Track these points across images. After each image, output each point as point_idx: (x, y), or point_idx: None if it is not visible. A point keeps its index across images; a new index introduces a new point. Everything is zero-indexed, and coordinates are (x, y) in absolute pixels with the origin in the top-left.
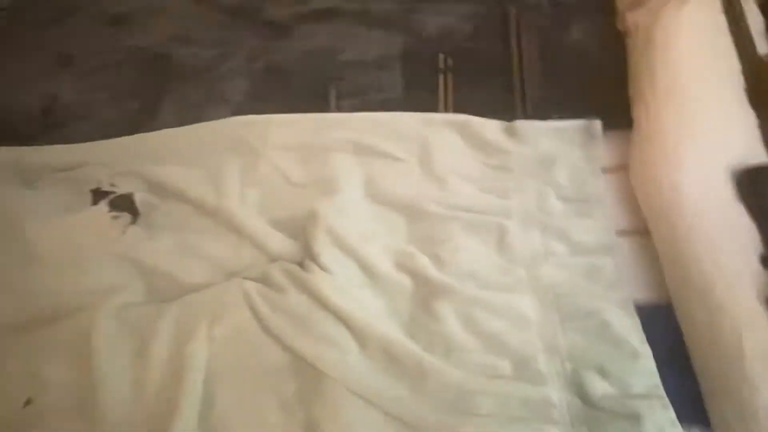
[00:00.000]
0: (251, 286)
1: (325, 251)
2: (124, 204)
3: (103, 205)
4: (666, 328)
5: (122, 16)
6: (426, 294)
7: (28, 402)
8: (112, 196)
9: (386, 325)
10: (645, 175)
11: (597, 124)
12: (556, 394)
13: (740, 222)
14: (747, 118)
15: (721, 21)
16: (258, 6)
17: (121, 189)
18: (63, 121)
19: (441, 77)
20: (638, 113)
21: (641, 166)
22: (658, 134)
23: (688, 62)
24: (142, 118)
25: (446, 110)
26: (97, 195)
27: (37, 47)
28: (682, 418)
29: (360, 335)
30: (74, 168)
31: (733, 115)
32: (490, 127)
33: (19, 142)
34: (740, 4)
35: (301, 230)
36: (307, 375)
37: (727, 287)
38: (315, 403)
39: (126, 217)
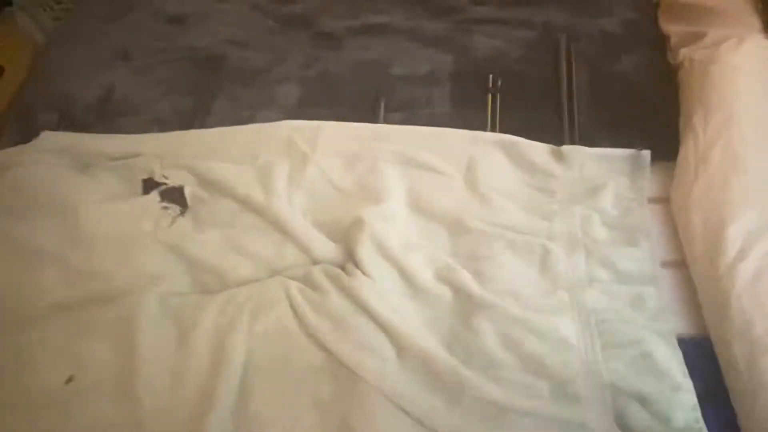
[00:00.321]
0: (293, 285)
1: (368, 257)
2: (175, 196)
3: (154, 195)
4: (704, 363)
5: (180, 16)
6: (466, 308)
7: (69, 379)
8: (163, 187)
9: (425, 336)
10: (688, 209)
11: (646, 154)
12: (595, 418)
13: None
14: None
15: None
16: (311, 17)
17: (172, 181)
18: (118, 112)
19: (489, 97)
20: (687, 147)
21: (685, 200)
22: (705, 169)
23: (744, 101)
24: (195, 115)
25: (493, 130)
26: (149, 185)
27: (97, 40)
28: None
29: (398, 343)
30: (128, 157)
31: None
32: (537, 150)
33: (76, 129)
34: None
35: (344, 235)
36: (344, 378)
37: (766, 326)
38: (350, 406)
39: (175, 208)
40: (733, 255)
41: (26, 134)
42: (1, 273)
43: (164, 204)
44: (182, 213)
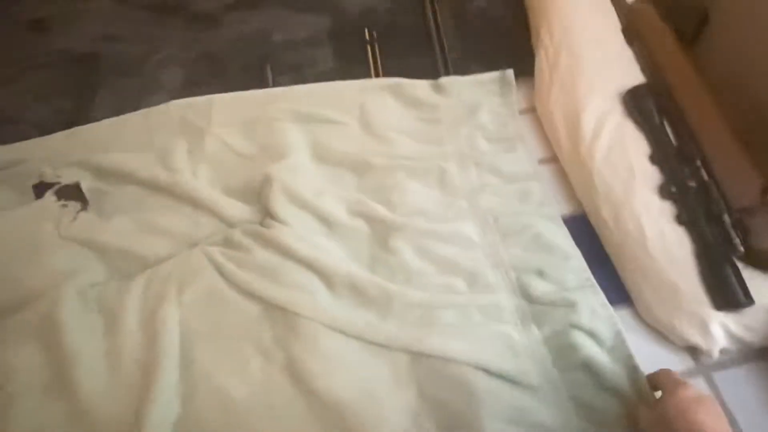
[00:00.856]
0: (215, 251)
1: (283, 208)
2: (72, 193)
3: (49, 196)
4: (585, 233)
5: (41, 21)
6: (381, 234)
7: None
8: (57, 187)
9: (349, 265)
10: (550, 111)
11: (510, 73)
12: (505, 298)
13: (630, 134)
14: (625, 52)
15: None
16: (184, 1)
17: (66, 180)
18: None
19: (369, 49)
20: (539, 58)
21: (546, 104)
22: (557, 73)
23: (577, 12)
24: (78, 114)
25: (377, 77)
26: (41, 188)
27: None
28: (610, 301)
29: (326, 277)
30: (12, 167)
31: (615, 52)
32: (419, 87)
33: None
34: None
35: (255, 196)
36: (281, 320)
37: (624, 186)
38: (293, 343)
39: (75, 204)
40: (589, 137)
41: None
42: None
43: (62, 202)
44: (84, 208)
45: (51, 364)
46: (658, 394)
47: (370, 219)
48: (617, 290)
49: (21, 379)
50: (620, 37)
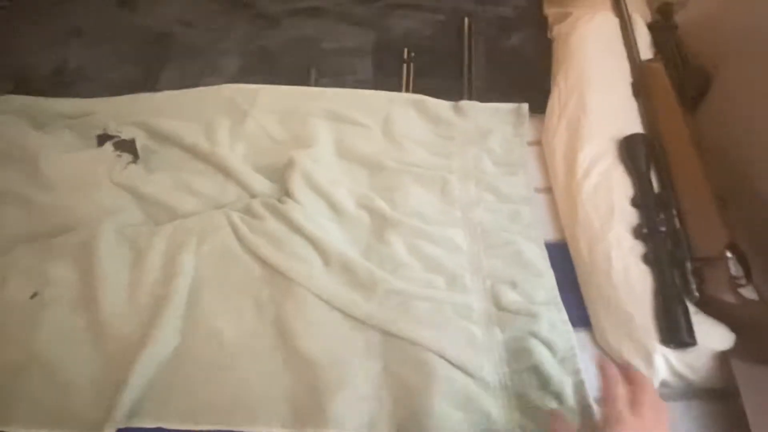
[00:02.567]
0: (234, 214)
1: (299, 189)
2: (127, 146)
3: (108, 146)
4: (563, 260)
5: (128, 0)
6: (380, 227)
7: (34, 295)
8: (116, 139)
9: (346, 248)
10: (554, 147)
11: (525, 107)
12: (476, 301)
13: (618, 176)
14: (631, 104)
15: (619, 33)
16: (250, 1)
17: (125, 135)
18: (72, 81)
19: (404, 66)
20: (552, 99)
21: (552, 140)
22: (565, 115)
23: (592, 61)
24: (144, 83)
25: (407, 92)
26: (102, 138)
27: (48, 20)
28: (572, 323)
29: (324, 254)
30: (82, 116)
31: (622, 102)
32: (441, 106)
33: (32, 95)
34: (631, 23)
35: (278, 175)
36: (278, 282)
37: (602, 222)
38: (284, 303)
39: (128, 156)
40: (581, 175)
41: None
42: None
43: (118, 153)
44: (134, 161)
45: (82, 283)
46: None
47: (372, 212)
48: (580, 314)
49: (56, 289)
50: (628, 89)
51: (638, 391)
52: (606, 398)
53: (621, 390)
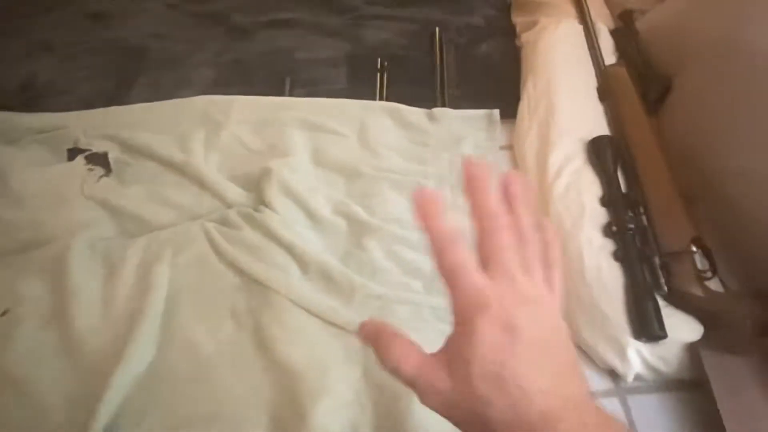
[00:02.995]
0: (210, 225)
1: (276, 198)
2: (99, 160)
3: (79, 159)
4: None
5: (100, 13)
6: (358, 233)
7: (5, 312)
8: (87, 153)
9: (324, 255)
10: (525, 150)
11: (496, 113)
12: None
13: (587, 177)
14: (597, 107)
15: (583, 40)
16: (225, 14)
17: (96, 148)
18: (41, 95)
19: (378, 75)
20: (522, 104)
21: (523, 144)
22: (534, 120)
23: (559, 67)
24: (117, 95)
25: (381, 100)
26: (73, 152)
27: (18, 34)
28: None
29: (302, 262)
30: (52, 130)
31: (588, 106)
32: (414, 113)
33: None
34: (595, 30)
35: (254, 184)
36: (256, 292)
37: (573, 222)
38: (263, 313)
39: (100, 170)
40: (552, 176)
41: None
42: None
43: (89, 166)
44: (107, 174)
45: (54, 298)
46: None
47: (350, 219)
48: None
49: (27, 305)
50: (594, 93)
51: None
52: (482, 240)
53: (506, 235)
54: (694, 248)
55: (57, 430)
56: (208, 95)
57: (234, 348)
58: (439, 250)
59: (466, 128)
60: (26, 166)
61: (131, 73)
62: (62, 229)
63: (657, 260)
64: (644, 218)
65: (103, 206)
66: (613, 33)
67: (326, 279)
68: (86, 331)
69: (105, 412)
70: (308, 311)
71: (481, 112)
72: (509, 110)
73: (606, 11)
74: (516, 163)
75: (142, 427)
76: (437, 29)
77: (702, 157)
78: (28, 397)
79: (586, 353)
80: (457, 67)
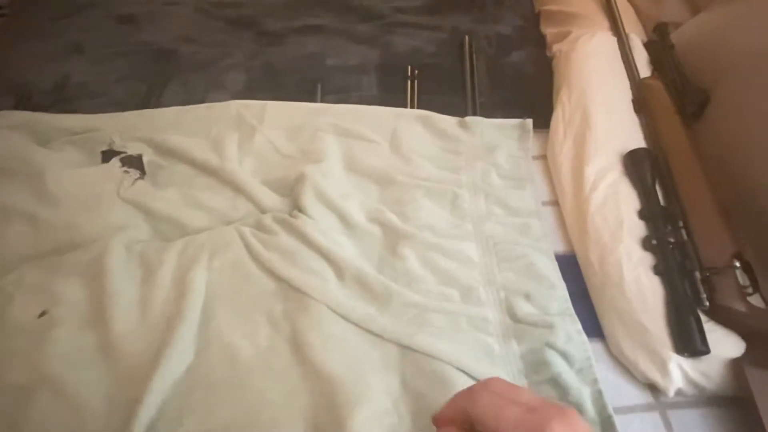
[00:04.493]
0: (246, 230)
1: (310, 204)
2: (134, 162)
3: (114, 162)
4: (572, 271)
5: (130, 16)
6: (393, 241)
7: (43, 313)
8: (122, 155)
9: (360, 262)
10: (558, 161)
11: (529, 122)
12: (492, 313)
13: (624, 190)
14: (633, 119)
15: (617, 52)
16: (255, 19)
17: (131, 151)
18: (75, 96)
19: (409, 83)
20: (557, 115)
21: (558, 155)
22: (570, 131)
23: (594, 78)
24: (149, 98)
25: (412, 108)
26: (108, 154)
27: (49, 37)
28: (585, 333)
29: (338, 268)
30: (86, 132)
31: (624, 118)
32: (447, 121)
33: (33, 110)
34: (629, 42)
35: (289, 190)
36: (293, 297)
37: (611, 234)
38: (299, 318)
39: (135, 172)
40: (588, 188)
41: None
42: None
43: (125, 169)
44: (142, 177)
45: (92, 300)
46: None
47: (384, 226)
48: (592, 325)
49: (65, 307)
50: (630, 105)
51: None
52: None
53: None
54: (736, 263)
55: None
56: (242, 100)
57: (271, 353)
58: None
59: (499, 137)
60: (61, 167)
61: (162, 77)
62: (98, 230)
63: (698, 275)
64: (683, 232)
65: (139, 209)
66: (648, 45)
67: (362, 286)
68: (124, 334)
69: (144, 416)
70: (345, 318)
71: (514, 121)
72: (540, 120)
73: (638, 24)
74: (549, 173)
75: (181, 430)
76: (467, 37)
77: (740, 172)
78: (67, 399)
79: (625, 368)
80: (488, 75)
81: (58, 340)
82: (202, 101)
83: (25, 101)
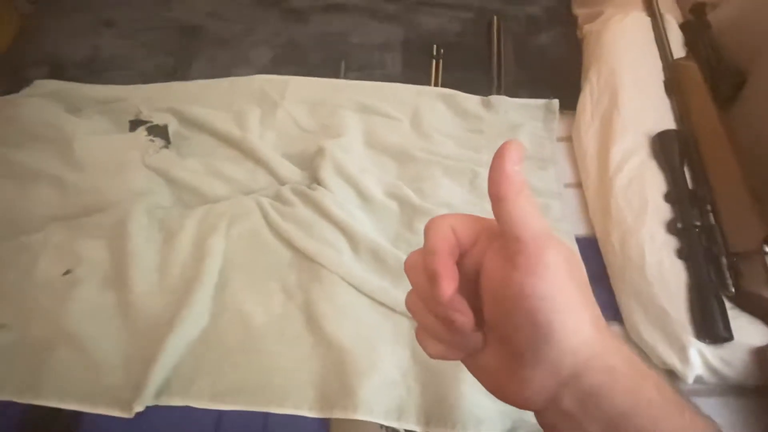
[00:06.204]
0: (264, 200)
1: (329, 177)
2: (160, 132)
3: (140, 130)
4: (592, 254)
5: None
6: (409, 216)
7: (67, 272)
8: (148, 124)
9: (375, 236)
10: (583, 142)
11: (555, 103)
12: None
13: (651, 172)
14: (663, 101)
15: (651, 32)
16: None
17: (157, 121)
18: (105, 68)
19: (433, 62)
20: (584, 95)
21: (584, 137)
22: (597, 112)
23: (625, 58)
24: (176, 72)
25: (436, 87)
26: (135, 123)
27: (83, 11)
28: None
29: (353, 241)
30: (115, 102)
31: (654, 99)
32: (470, 100)
33: (66, 80)
34: (663, 22)
35: (308, 163)
36: (307, 268)
37: (635, 216)
38: (313, 288)
39: (160, 141)
40: (613, 169)
41: (16, 86)
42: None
43: (150, 138)
44: (166, 146)
45: (113, 261)
46: None
47: (401, 201)
48: (611, 308)
49: (87, 267)
50: (661, 87)
51: None
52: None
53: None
54: (766, 248)
55: (112, 388)
56: (265, 74)
57: (283, 321)
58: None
59: (523, 117)
60: (89, 134)
61: (189, 51)
62: (122, 195)
63: (724, 260)
64: (711, 216)
65: (163, 176)
66: (683, 26)
67: (376, 259)
68: (143, 295)
69: (158, 375)
70: (358, 289)
71: (539, 102)
72: (567, 101)
73: (674, 4)
74: (574, 154)
75: (192, 391)
76: (495, 18)
77: None
78: (86, 354)
79: (643, 352)
80: (514, 56)
81: (79, 298)
82: (227, 76)
83: (58, 72)
